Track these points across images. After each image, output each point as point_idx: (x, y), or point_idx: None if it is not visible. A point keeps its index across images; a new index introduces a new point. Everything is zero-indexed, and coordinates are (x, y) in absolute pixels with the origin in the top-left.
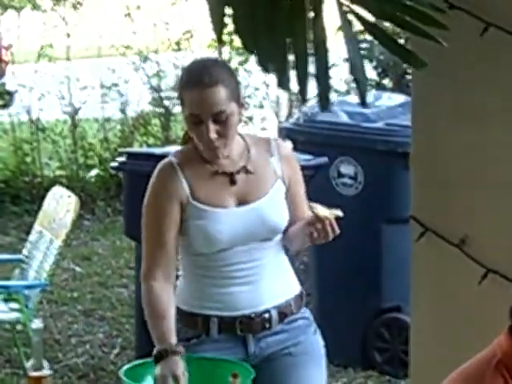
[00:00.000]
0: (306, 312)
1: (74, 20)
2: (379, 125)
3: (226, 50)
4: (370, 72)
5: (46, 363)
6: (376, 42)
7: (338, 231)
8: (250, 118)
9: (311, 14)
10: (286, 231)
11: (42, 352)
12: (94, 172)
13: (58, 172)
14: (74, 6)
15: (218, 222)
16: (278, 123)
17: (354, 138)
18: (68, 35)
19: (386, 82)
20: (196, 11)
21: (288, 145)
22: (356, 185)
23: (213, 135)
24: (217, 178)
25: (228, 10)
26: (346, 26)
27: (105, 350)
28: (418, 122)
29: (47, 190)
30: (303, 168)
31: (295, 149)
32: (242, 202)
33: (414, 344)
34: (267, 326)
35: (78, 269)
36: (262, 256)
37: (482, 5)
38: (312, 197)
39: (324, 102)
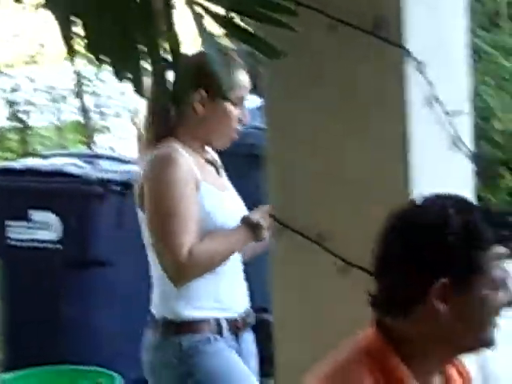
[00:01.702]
0: None
1: None
2: None
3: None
4: None
5: None
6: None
7: None
8: (108, 128)
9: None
10: None
11: None
12: None
13: None
14: None
15: (223, 203)
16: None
17: None
18: None
19: None
20: (49, 23)
21: None
22: None
23: None
24: (208, 166)
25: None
26: (197, 20)
27: None
28: (270, 123)
29: None
30: None
31: None
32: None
33: (277, 343)
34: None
35: None
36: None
37: (328, 2)
38: None
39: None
